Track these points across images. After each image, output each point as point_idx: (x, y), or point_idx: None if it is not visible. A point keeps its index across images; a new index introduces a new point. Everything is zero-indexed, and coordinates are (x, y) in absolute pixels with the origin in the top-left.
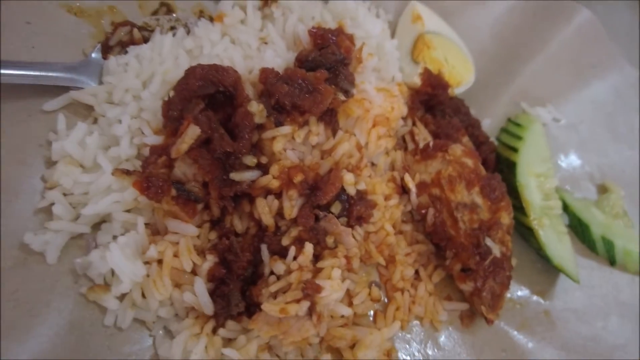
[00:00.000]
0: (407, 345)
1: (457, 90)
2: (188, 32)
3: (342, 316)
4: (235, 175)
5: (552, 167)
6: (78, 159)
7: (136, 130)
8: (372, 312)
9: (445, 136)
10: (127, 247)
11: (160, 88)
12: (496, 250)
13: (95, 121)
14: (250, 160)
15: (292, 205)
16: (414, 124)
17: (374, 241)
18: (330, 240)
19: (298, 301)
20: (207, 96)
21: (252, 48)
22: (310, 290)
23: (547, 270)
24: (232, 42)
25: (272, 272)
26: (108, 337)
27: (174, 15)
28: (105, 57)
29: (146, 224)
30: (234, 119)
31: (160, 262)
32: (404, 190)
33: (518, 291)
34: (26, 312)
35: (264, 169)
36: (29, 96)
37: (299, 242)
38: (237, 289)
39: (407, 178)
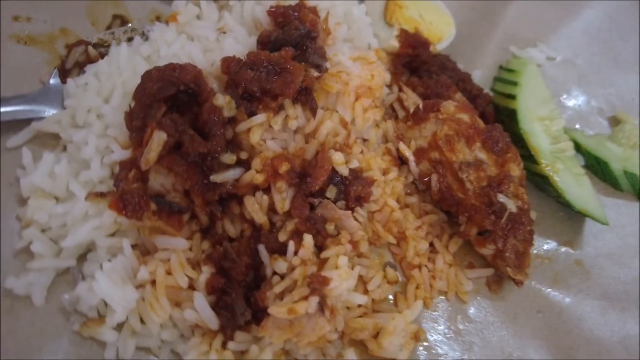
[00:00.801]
0: (435, 324)
1: (439, 47)
2: (146, 40)
3: (360, 305)
4: (216, 177)
5: (556, 108)
6: (49, 191)
7: (105, 149)
8: (391, 296)
9: (436, 96)
10: (114, 273)
11: (122, 100)
12: (511, 205)
13: (64, 148)
14: (228, 158)
15: (282, 197)
16: (400, 89)
17: (379, 220)
18: (330, 228)
19: (306, 298)
20: (168, 98)
21: (210, 40)
22: (317, 284)
23: (570, 218)
24: (190, 39)
25: (274, 272)
26: None
27: (129, 25)
28: (64, 82)
29: (134, 246)
30: (201, 116)
31: (153, 282)
32: (402, 161)
33: (544, 245)
34: None
35: (245, 164)
36: None
37: (297, 236)
38: (240, 297)
39: (402, 147)
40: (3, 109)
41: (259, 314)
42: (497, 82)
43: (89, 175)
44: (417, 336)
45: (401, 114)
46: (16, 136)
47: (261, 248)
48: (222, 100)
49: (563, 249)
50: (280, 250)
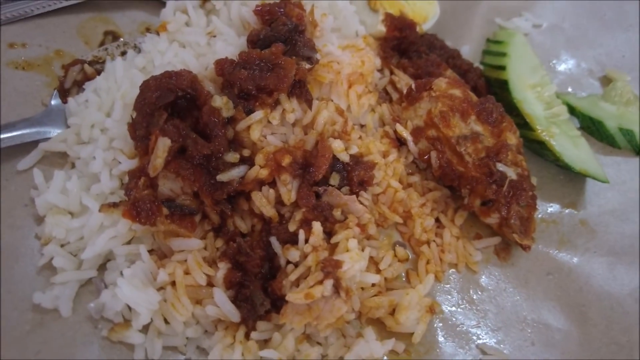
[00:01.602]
0: (449, 296)
1: (425, 26)
2: (139, 52)
3: (374, 285)
4: (222, 176)
5: (547, 74)
6: (64, 207)
7: (112, 161)
8: (404, 274)
9: (427, 75)
10: (134, 278)
11: (123, 113)
12: (511, 173)
13: (73, 165)
14: (232, 157)
15: (288, 189)
16: (391, 72)
17: (384, 202)
18: (337, 213)
19: (321, 282)
20: (168, 105)
21: (201, 45)
22: (330, 268)
23: (571, 180)
24: (182, 46)
25: (288, 262)
26: None
27: (121, 39)
28: (64, 101)
29: (150, 251)
30: (201, 119)
31: (173, 283)
32: (400, 142)
33: (547, 209)
34: None
35: (249, 161)
36: (1, 161)
37: (307, 224)
38: (258, 288)
39: (399, 128)
40: (11, 134)
41: (278, 303)
42: (486, 55)
43: (100, 188)
44: (433, 309)
45: (395, 96)
46: (26, 159)
47: (273, 240)
48: (219, 101)
49: (567, 210)
50: (291, 240)
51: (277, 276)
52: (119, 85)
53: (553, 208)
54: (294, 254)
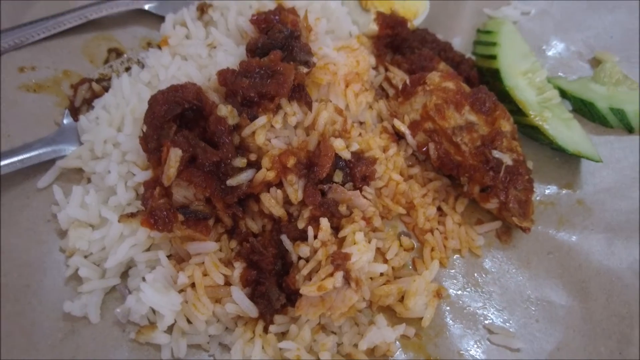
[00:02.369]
0: (455, 281)
1: (416, 22)
2: (143, 67)
3: (382, 274)
4: (231, 181)
5: (537, 60)
6: (85, 220)
7: (127, 174)
8: (410, 263)
9: (421, 69)
10: (156, 282)
11: (134, 127)
12: (507, 159)
13: (89, 180)
14: (240, 162)
15: (295, 189)
16: (386, 69)
17: (387, 195)
18: (343, 209)
19: (332, 274)
20: (176, 117)
21: (203, 57)
22: (339, 260)
23: (566, 161)
24: (184, 59)
25: (299, 257)
26: None
27: (125, 55)
28: (76, 119)
29: (169, 256)
30: (208, 128)
31: (193, 285)
32: (399, 136)
33: (545, 191)
34: None
35: (256, 165)
36: (22, 180)
37: (314, 221)
38: (273, 284)
39: (397, 123)
40: (29, 154)
41: (293, 297)
42: (477, 45)
43: (117, 200)
44: (440, 293)
45: (391, 91)
46: (44, 176)
47: (284, 238)
48: (225, 110)
49: (564, 191)
50: (301, 236)
51: (290, 271)
52: (127, 100)
53: (550, 189)
54: (304, 250)
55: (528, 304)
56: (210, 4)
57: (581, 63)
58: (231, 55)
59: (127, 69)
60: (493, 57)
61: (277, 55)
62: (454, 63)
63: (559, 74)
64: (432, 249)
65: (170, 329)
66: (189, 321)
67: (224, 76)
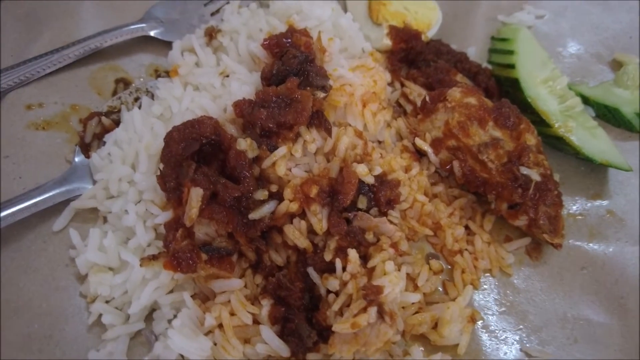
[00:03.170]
0: (487, 302)
1: (429, 33)
2: (152, 97)
3: (414, 302)
4: (254, 215)
5: (556, 67)
6: (104, 264)
7: (145, 213)
8: (440, 285)
9: (438, 82)
10: (184, 327)
11: (149, 164)
12: (535, 175)
13: (104, 220)
14: (261, 194)
15: (319, 219)
16: (402, 85)
17: (412, 216)
18: (370, 236)
19: (365, 309)
20: (194, 154)
21: (216, 87)
22: (372, 295)
23: (593, 170)
24: (196, 89)
25: (328, 291)
26: None
27: (133, 85)
28: (87, 156)
29: (193, 295)
30: (228, 163)
31: (221, 326)
32: (420, 154)
33: (573, 203)
34: None
35: (277, 196)
36: (37, 224)
37: (342, 252)
38: (303, 321)
39: (419, 142)
40: (43, 197)
41: (324, 333)
42: (492, 53)
43: (137, 242)
44: (474, 318)
45: (408, 107)
46: (59, 219)
47: (310, 270)
48: (244, 144)
49: (593, 202)
50: (328, 268)
51: (320, 306)
52: (140, 135)
53: (579, 202)
54: (333, 283)
55: (565, 323)
56: (219, 28)
57: (601, 66)
58: (245, 84)
59: (136, 99)
60: (511, 66)
61: (294, 83)
62: (471, 74)
63: (578, 79)
64: (463, 271)
65: None
66: None
67: (241, 107)
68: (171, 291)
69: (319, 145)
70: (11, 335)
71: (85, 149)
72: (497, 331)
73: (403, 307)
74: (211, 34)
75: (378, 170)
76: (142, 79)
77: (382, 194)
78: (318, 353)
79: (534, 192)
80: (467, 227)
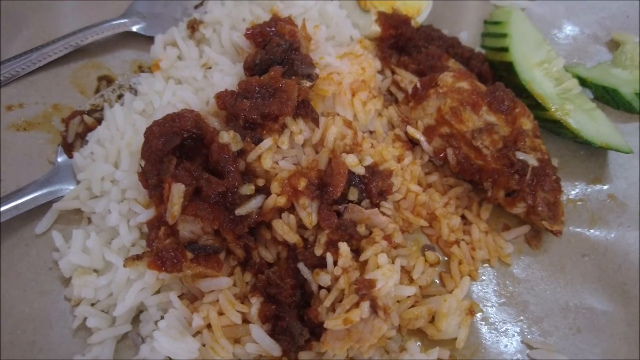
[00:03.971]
0: (486, 294)
1: (419, 19)
2: (135, 93)
3: (409, 296)
4: (240, 210)
5: (552, 49)
6: (88, 266)
7: (128, 212)
8: (437, 277)
9: (430, 69)
10: (170, 328)
11: (131, 162)
12: (532, 160)
13: (89, 221)
14: (247, 189)
15: (308, 213)
16: (393, 72)
17: (406, 207)
18: (362, 229)
19: (357, 304)
20: (175, 148)
21: (198, 79)
22: (364, 289)
23: (593, 154)
24: (179, 82)
25: (320, 286)
26: None
27: (116, 82)
28: (70, 156)
29: (180, 295)
30: (211, 157)
31: (209, 326)
32: (413, 143)
33: (573, 188)
34: None
35: (264, 190)
36: (19, 226)
37: (333, 246)
38: (294, 319)
39: (411, 130)
40: (24, 199)
41: (317, 330)
42: (486, 37)
43: (121, 242)
44: (472, 310)
45: (400, 95)
46: (42, 221)
47: (301, 266)
48: (227, 137)
49: (593, 187)
50: (319, 263)
51: (312, 303)
52: (122, 132)
53: (578, 187)
54: (324, 278)
55: (567, 312)
56: (201, 20)
57: (598, 47)
58: (228, 75)
59: (120, 97)
60: (505, 49)
61: (277, 72)
62: (464, 59)
63: (575, 60)
64: (460, 262)
65: None
66: None
67: (223, 99)
68: (158, 292)
69: (307, 136)
70: None
71: (68, 149)
72: (497, 323)
73: (398, 301)
74: (193, 26)
75: (369, 161)
76: (125, 76)
77: (373, 185)
78: (310, 351)
79: (532, 177)
80: (463, 217)
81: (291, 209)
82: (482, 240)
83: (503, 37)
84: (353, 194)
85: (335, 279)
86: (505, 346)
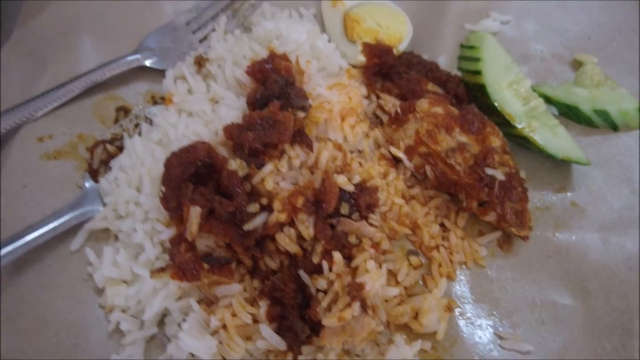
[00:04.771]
0: (463, 292)
1: (401, 47)
2: (151, 123)
3: (395, 295)
4: (248, 226)
5: (520, 71)
6: (119, 278)
7: (151, 230)
8: (420, 279)
9: (410, 93)
10: (192, 328)
11: (152, 186)
12: (499, 175)
13: (116, 237)
14: (253, 207)
15: (306, 226)
16: (377, 97)
17: (392, 218)
18: (353, 239)
19: (349, 305)
20: (191, 175)
21: (207, 113)
22: (355, 292)
23: (558, 165)
24: (190, 115)
25: (317, 290)
26: None
27: (132, 112)
28: (96, 181)
29: (199, 301)
30: (222, 182)
31: (224, 326)
32: (397, 160)
33: (540, 196)
34: None
35: (268, 208)
36: (56, 245)
37: (328, 254)
38: (296, 318)
39: (394, 150)
40: (59, 221)
41: (316, 327)
42: (462, 60)
43: (146, 256)
44: (450, 307)
45: (384, 117)
46: (76, 239)
47: (301, 273)
48: (235, 164)
49: (558, 195)
50: (317, 270)
51: (311, 304)
52: (142, 160)
53: (544, 195)
54: (321, 283)
55: (533, 307)
56: (207, 57)
57: (562, 67)
58: (233, 109)
59: (136, 126)
60: (478, 72)
61: (276, 106)
62: (442, 82)
63: (542, 79)
64: (440, 265)
65: None
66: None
67: (230, 131)
68: (179, 298)
69: (302, 159)
70: (43, 345)
71: (94, 175)
72: (472, 317)
73: (386, 301)
74: (200, 62)
75: (357, 179)
76: (140, 106)
77: (362, 200)
78: (311, 345)
79: (499, 190)
80: (442, 225)
81: (291, 223)
82: (459, 245)
83: (476, 61)
84: (344, 209)
85: (331, 283)
86: (480, 337)
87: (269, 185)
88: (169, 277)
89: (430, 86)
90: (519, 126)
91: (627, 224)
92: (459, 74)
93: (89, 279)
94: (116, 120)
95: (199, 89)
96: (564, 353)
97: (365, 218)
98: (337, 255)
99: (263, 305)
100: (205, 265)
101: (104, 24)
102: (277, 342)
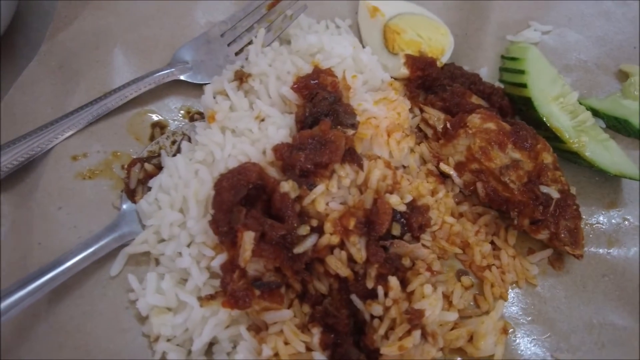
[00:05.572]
0: (517, 313)
1: (444, 59)
2: (189, 139)
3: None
4: (298, 249)
5: (566, 83)
6: (164, 306)
7: (198, 255)
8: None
9: (455, 106)
10: (245, 358)
11: (198, 209)
12: (554, 193)
13: (157, 261)
14: (304, 230)
15: (358, 249)
16: (421, 110)
17: (442, 237)
18: (406, 262)
19: (409, 332)
20: (242, 198)
21: (254, 132)
22: (415, 319)
23: (608, 180)
24: (234, 132)
25: (372, 316)
26: None
27: (169, 129)
28: (134, 201)
29: (247, 328)
30: (274, 205)
31: (277, 354)
32: (444, 175)
33: (590, 214)
34: None
35: (318, 229)
36: (94, 270)
37: (382, 279)
38: (351, 345)
39: (444, 167)
40: (98, 245)
41: (372, 355)
42: (503, 72)
43: (193, 282)
44: (506, 330)
45: (429, 131)
46: (115, 264)
47: (354, 297)
48: (287, 186)
49: (609, 211)
50: (371, 294)
51: (366, 330)
52: (185, 181)
53: (595, 211)
54: (377, 309)
55: (591, 328)
56: (249, 73)
57: (607, 77)
58: (281, 128)
59: (173, 142)
60: (523, 85)
61: (326, 125)
62: (485, 95)
63: (586, 91)
64: (492, 285)
65: None
66: None
67: (280, 151)
68: (228, 326)
69: (352, 178)
70: None
71: (131, 195)
72: (528, 339)
73: (441, 325)
74: (241, 78)
75: (409, 198)
76: (176, 122)
77: (414, 220)
78: None
79: (554, 208)
80: (492, 243)
81: (341, 244)
82: (511, 264)
83: (521, 74)
84: (396, 230)
85: (387, 309)
86: None
87: (321, 207)
88: (220, 305)
89: (475, 99)
90: (569, 141)
91: None
92: (501, 85)
93: (130, 306)
94: (152, 137)
95: (241, 106)
96: None
97: (417, 239)
98: (393, 280)
99: (316, 333)
100: (257, 292)
101: (136, 36)
102: None
